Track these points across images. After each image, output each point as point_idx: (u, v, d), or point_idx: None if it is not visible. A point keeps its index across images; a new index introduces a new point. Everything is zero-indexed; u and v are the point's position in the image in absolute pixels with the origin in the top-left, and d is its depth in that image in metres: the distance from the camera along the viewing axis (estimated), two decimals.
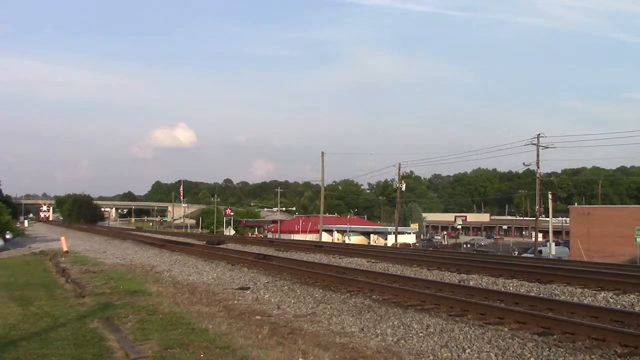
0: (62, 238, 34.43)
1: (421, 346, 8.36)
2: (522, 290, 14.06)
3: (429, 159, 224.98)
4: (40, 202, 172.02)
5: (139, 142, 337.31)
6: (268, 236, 78.93)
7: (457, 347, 8.26)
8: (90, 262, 23.54)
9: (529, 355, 7.77)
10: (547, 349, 8.02)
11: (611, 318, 9.78)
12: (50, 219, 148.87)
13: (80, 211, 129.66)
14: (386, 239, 75.30)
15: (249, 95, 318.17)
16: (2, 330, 9.36)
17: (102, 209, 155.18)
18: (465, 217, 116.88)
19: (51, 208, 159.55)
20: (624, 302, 12.15)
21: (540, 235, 55.07)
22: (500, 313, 10.39)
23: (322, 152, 60.22)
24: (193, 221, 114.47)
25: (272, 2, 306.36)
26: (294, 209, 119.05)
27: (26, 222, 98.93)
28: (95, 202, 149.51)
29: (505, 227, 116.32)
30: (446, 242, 79.01)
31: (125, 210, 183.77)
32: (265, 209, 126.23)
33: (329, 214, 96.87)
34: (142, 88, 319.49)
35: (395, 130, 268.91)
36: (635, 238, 37.81)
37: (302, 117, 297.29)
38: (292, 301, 12.65)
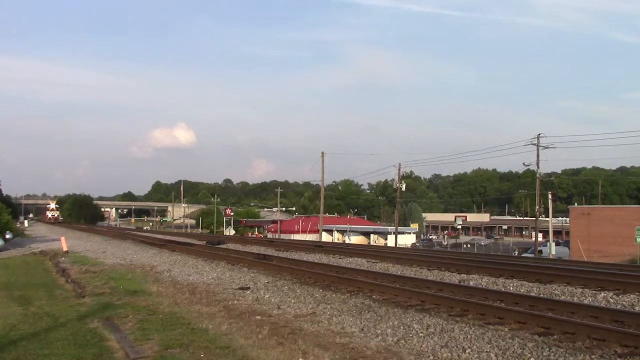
0: (62, 238, 34.46)
1: (421, 346, 8.36)
2: (522, 290, 14.04)
3: (429, 159, 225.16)
4: (40, 202, 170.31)
5: (138, 142, 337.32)
6: (268, 236, 78.95)
7: (457, 347, 8.26)
8: (90, 262, 23.55)
9: (529, 355, 7.77)
10: (547, 349, 8.01)
11: (611, 318, 9.77)
12: (60, 219, 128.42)
13: (80, 211, 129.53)
14: (386, 239, 75.38)
15: (249, 95, 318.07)
16: (2, 330, 9.36)
17: (102, 209, 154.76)
18: (465, 217, 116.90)
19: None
20: (624, 302, 12.15)
21: (540, 235, 55.02)
22: (500, 313, 10.39)
23: (322, 152, 60.33)
24: (193, 221, 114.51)
25: (272, 3, 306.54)
26: (294, 209, 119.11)
27: (26, 222, 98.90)
28: (95, 202, 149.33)
29: (505, 227, 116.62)
30: (446, 243, 78.95)
31: (125, 210, 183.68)
32: (265, 209, 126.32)
33: (329, 214, 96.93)
34: (142, 88, 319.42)
35: (395, 130, 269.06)
36: (635, 238, 37.76)
37: (302, 117, 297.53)
38: (292, 301, 12.64)
